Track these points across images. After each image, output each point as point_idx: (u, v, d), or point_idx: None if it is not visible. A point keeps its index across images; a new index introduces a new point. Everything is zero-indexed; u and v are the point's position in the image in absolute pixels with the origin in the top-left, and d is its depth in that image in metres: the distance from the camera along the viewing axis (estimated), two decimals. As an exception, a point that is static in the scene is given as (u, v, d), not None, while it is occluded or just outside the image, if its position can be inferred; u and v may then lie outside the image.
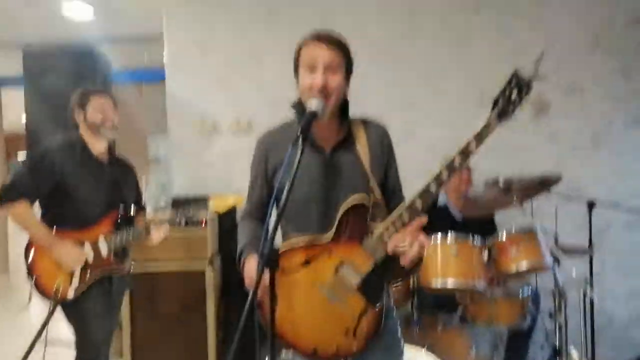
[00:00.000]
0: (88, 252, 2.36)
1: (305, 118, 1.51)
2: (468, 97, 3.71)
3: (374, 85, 3.74)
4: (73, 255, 2.31)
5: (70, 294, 2.31)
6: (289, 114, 1.72)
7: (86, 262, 2.35)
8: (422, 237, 1.52)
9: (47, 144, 2.46)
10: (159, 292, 3.35)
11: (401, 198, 1.75)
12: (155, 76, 5.01)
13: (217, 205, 2.51)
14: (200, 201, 3.75)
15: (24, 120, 4.22)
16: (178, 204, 3.73)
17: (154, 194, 4.48)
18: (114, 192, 2.49)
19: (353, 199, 1.60)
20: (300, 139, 1.46)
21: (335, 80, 1.58)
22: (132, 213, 2.54)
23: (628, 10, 3.57)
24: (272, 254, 1.39)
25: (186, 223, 3.44)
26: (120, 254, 2.48)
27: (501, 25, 3.69)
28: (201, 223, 3.51)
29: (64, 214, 2.37)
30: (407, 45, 3.78)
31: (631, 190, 3.59)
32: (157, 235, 2.54)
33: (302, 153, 1.45)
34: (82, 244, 2.36)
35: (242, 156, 3.82)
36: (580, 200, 3.22)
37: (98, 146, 2.49)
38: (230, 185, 3.93)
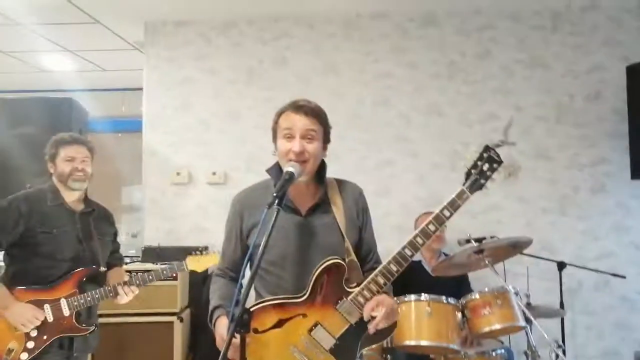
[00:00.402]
0: (47, 313, 2.23)
1: (282, 180, 1.53)
2: (440, 160, 3.83)
3: (351, 145, 3.84)
4: (27, 316, 2.18)
5: (24, 357, 2.18)
6: (264, 167, 1.74)
7: (45, 323, 2.22)
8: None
9: (17, 193, 2.36)
10: (124, 345, 3.21)
11: (376, 259, 1.77)
12: (132, 125, 5.05)
13: (193, 264, 2.40)
14: (173, 252, 3.70)
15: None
16: (149, 253, 3.67)
17: (125, 242, 4.38)
18: (84, 246, 2.34)
19: (328, 261, 1.60)
20: (277, 201, 1.47)
21: (312, 147, 1.62)
22: (102, 268, 2.41)
23: (586, 86, 3.80)
24: (244, 318, 1.36)
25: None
26: (84, 314, 2.33)
27: (472, 93, 3.87)
28: (172, 275, 3.43)
29: (26, 270, 2.26)
30: (382, 110, 3.91)
31: (597, 253, 3.69)
32: (125, 298, 2.34)
33: (277, 214, 1.46)
34: (42, 303, 2.23)
35: (217, 208, 3.89)
36: (550, 261, 3.29)
37: (71, 195, 2.37)
38: (203, 236, 3.89)
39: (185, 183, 3.97)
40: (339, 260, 1.61)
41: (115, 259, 2.59)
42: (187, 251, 3.68)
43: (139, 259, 3.66)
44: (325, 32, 3.98)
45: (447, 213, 1.55)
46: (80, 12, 3.82)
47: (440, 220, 1.56)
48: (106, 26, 4.13)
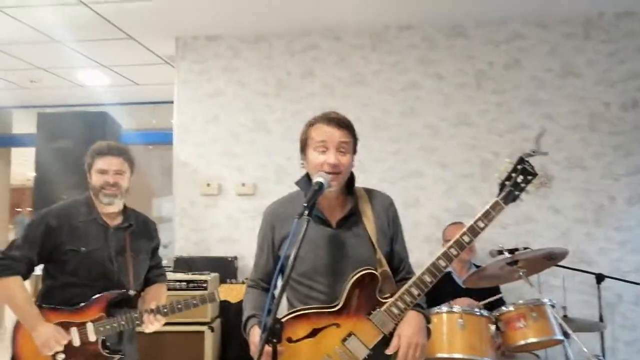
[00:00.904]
0: (74, 337, 2.10)
1: (311, 190, 1.53)
2: (469, 170, 3.78)
3: (377, 155, 3.82)
4: (50, 341, 2.06)
5: None
6: (292, 179, 1.75)
7: (71, 347, 2.09)
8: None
9: (51, 206, 2.26)
10: (154, 354, 3.25)
11: (408, 269, 1.76)
12: (162, 138, 5.16)
13: (226, 294, 2.18)
14: (203, 263, 3.76)
15: (29, 176, 4.32)
16: (180, 264, 3.73)
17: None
18: (115, 267, 2.19)
19: (362, 271, 1.60)
20: (307, 211, 1.47)
21: (346, 159, 1.64)
22: (132, 292, 2.23)
23: (622, 94, 3.70)
24: (276, 328, 1.36)
25: (187, 284, 3.41)
26: (113, 340, 2.17)
27: (501, 102, 3.81)
28: (203, 284, 3.47)
29: (56, 288, 2.16)
30: (410, 120, 3.88)
31: (637, 265, 3.55)
32: (150, 327, 2.17)
33: (308, 225, 1.46)
34: (69, 326, 2.11)
35: (246, 219, 3.93)
36: (588, 273, 3.19)
37: (105, 208, 2.22)
38: (232, 246, 3.93)
39: (215, 194, 4.03)
40: (372, 271, 1.60)
41: (155, 275, 2.39)
42: (217, 262, 3.79)
43: (171, 269, 3.72)
44: (352, 44, 4.00)
45: (481, 224, 1.56)
46: (115, 29, 3.95)
47: (475, 232, 1.56)
48: (139, 41, 4.26)
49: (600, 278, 3.19)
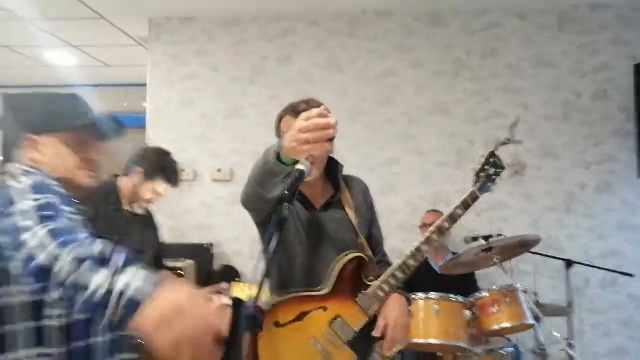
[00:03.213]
0: None
1: (292, 178, 1.51)
2: (445, 157, 3.82)
3: (355, 142, 3.82)
4: None
5: None
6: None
7: None
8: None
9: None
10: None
11: (384, 252, 1.82)
12: (134, 121, 5.02)
13: (239, 292, 2.20)
14: (178, 249, 3.70)
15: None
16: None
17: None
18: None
19: (351, 254, 1.63)
20: (288, 197, 1.46)
21: None
22: None
23: (593, 84, 3.77)
24: (258, 319, 1.33)
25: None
26: None
27: (478, 90, 3.85)
28: (178, 272, 3.43)
29: None
30: (386, 108, 3.89)
31: (603, 251, 3.68)
32: None
33: (290, 210, 1.45)
34: None
35: (222, 205, 3.87)
36: (557, 259, 3.28)
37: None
38: (208, 233, 3.88)
39: (190, 180, 3.95)
40: (361, 255, 1.64)
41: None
42: (192, 249, 3.73)
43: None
44: (330, 29, 3.96)
45: (460, 212, 1.65)
46: (85, 7, 3.80)
47: (454, 219, 1.64)
48: (110, 22, 4.11)
49: (569, 264, 3.27)
